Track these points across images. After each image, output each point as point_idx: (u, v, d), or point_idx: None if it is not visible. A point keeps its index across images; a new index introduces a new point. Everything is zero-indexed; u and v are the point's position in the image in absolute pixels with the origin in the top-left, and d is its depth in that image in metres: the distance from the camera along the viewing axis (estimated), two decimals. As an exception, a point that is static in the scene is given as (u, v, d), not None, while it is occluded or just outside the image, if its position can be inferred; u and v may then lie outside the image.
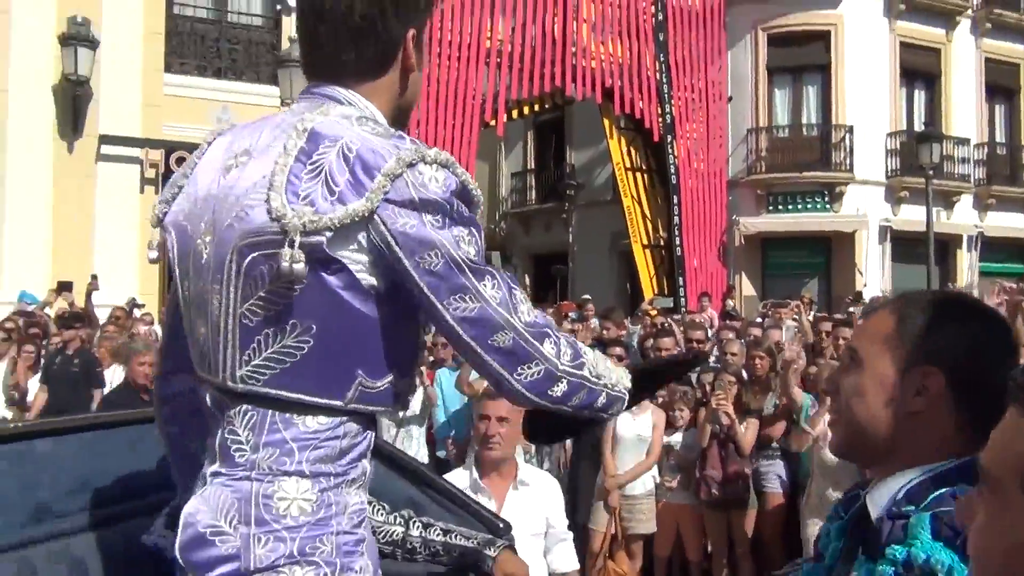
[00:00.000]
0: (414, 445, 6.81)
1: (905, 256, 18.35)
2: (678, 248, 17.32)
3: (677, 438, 6.09)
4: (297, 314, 1.36)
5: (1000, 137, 20.92)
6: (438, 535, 2.11)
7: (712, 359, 7.69)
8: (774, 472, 6.16)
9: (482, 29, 15.62)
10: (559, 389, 1.45)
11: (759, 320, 10.46)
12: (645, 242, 17.64)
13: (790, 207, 18.72)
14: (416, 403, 6.81)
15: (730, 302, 15.12)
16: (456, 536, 2.13)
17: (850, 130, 18.41)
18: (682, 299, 16.53)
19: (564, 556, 3.36)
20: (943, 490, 1.14)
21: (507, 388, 1.44)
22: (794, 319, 9.93)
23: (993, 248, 19.82)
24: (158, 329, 8.66)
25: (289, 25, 12.17)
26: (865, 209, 18.41)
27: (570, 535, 3.44)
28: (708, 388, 6.02)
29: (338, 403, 1.40)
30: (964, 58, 20.01)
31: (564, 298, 16.12)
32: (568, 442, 6.32)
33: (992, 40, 20.27)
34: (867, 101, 18.52)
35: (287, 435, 1.38)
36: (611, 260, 20.24)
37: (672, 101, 17.45)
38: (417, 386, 6.74)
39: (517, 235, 24.20)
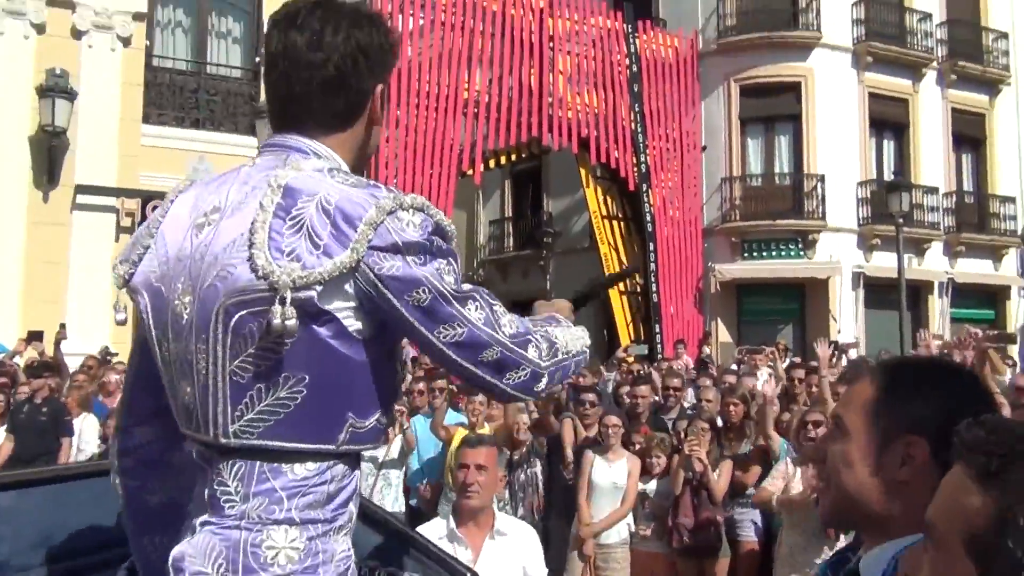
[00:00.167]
0: (392, 492, 6.76)
1: (878, 302, 18.57)
2: (655, 295, 17.43)
3: (652, 486, 6.08)
4: (289, 367, 1.38)
5: (968, 186, 21.32)
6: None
7: (687, 405, 7.73)
8: (749, 519, 6.16)
9: (460, 80, 15.83)
10: (543, 383, 1.55)
11: (734, 367, 10.51)
12: (622, 289, 17.74)
13: (764, 254, 18.93)
14: (395, 448, 6.77)
15: (706, 349, 15.18)
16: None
17: (822, 179, 18.73)
18: (659, 345, 16.59)
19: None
20: None
21: (498, 392, 1.52)
22: (769, 366, 10.02)
23: (963, 294, 20.07)
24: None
25: (267, 76, 12.24)
26: (838, 256, 18.65)
27: (548, 585, 3.42)
28: (683, 435, 6.03)
29: (331, 447, 1.42)
30: (931, 108, 20.49)
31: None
32: (541, 487, 6.31)
33: (957, 91, 20.78)
34: (838, 150, 18.87)
35: (276, 484, 1.39)
36: (588, 307, 20.28)
37: (647, 151, 17.70)
38: (396, 431, 6.70)
39: (495, 282, 24.25)
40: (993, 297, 21.17)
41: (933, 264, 20.01)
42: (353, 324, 1.41)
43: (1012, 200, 21.15)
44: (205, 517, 1.41)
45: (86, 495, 1.96)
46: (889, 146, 20.41)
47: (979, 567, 0.84)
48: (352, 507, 1.48)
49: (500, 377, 1.49)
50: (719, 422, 6.57)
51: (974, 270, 20.44)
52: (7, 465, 6.80)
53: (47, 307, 10.92)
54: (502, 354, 1.47)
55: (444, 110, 15.59)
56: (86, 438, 7.61)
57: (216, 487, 1.41)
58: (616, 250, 17.79)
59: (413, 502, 6.92)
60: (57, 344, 9.61)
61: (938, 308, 19.92)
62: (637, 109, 17.68)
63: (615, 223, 17.95)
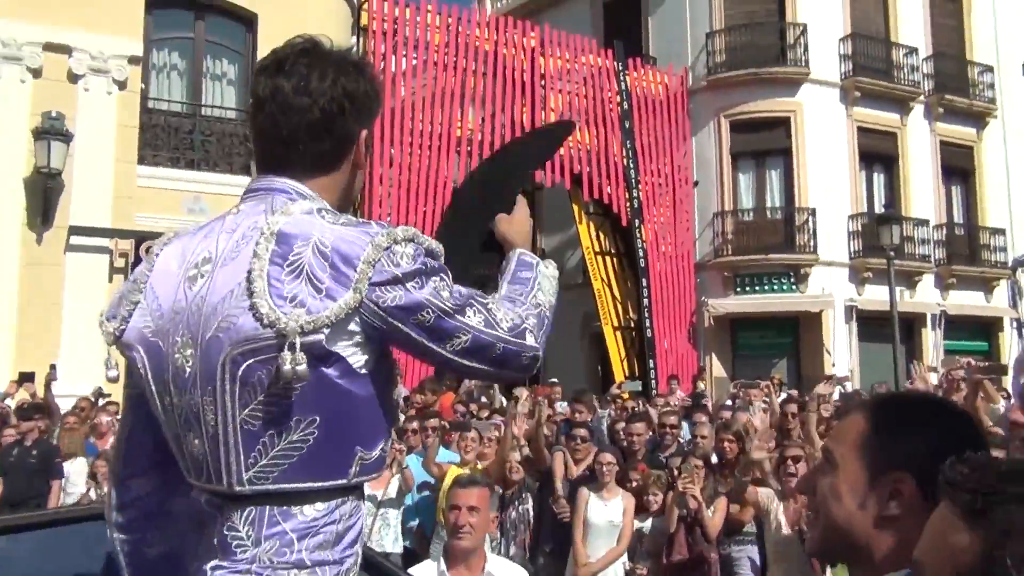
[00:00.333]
0: (391, 533, 6.70)
1: (871, 335, 18.61)
2: (648, 330, 17.44)
3: (648, 523, 6.05)
4: (299, 410, 1.41)
5: (958, 217, 21.45)
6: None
7: (683, 441, 7.71)
8: (746, 556, 6.11)
9: (453, 119, 15.97)
10: (539, 355, 1.61)
11: (728, 403, 10.50)
12: (616, 324, 17.74)
13: (757, 288, 18.98)
14: (392, 488, 6.72)
15: (700, 384, 15.17)
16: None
17: (813, 212, 18.85)
18: (652, 381, 16.56)
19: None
20: None
21: (506, 377, 1.67)
22: (765, 400, 10.00)
23: (956, 326, 20.12)
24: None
25: (262, 117, 12.33)
26: (830, 289, 18.71)
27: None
28: (676, 472, 6.02)
29: (343, 481, 1.45)
30: (920, 142, 20.68)
31: (536, 381, 16.09)
32: (532, 522, 6.29)
33: (945, 124, 21.00)
34: (828, 184, 19.02)
35: (287, 526, 1.41)
36: (582, 342, 20.28)
37: (639, 186, 17.82)
38: (394, 470, 6.66)
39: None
40: (986, 329, 21.23)
41: (925, 296, 20.08)
42: (358, 360, 1.44)
43: (1002, 232, 21.30)
44: (216, 562, 1.41)
45: (77, 541, 1.96)
46: (879, 179, 20.57)
47: (968, 605, 0.84)
48: (359, 548, 1.50)
49: (507, 367, 1.57)
50: (714, 458, 6.56)
51: (966, 302, 20.52)
52: (-3, 508, 6.75)
53: (40, 348, 10.89)
54: (505, 349, 1.53)
55: (437, 148, 15.71)
56: (74, 480, 7.57)
57: (226, 532, 1.42)
58: (609, 286, 17.82)
59: (407, 543, 6.87)
60: (47, 386, 9.56)
61: (931, 340, 19.96)
62: (629, 145, 17.83)
63: (608, 259, 18.01)
